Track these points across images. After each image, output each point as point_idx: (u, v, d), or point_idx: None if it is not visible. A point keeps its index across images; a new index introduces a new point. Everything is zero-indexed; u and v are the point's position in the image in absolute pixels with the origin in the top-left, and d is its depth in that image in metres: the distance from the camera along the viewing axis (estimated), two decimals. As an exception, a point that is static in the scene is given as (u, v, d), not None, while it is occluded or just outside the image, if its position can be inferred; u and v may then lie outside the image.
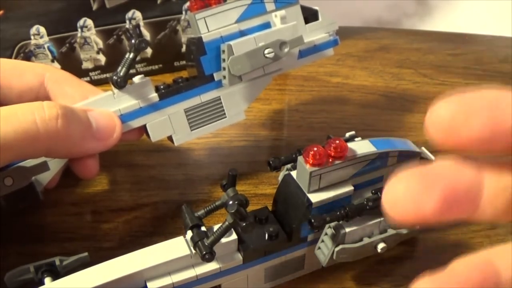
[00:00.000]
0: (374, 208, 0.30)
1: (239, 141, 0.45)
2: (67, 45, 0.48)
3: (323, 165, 0.29)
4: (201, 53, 0.35)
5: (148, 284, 0.28)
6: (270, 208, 0.32)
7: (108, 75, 0.51)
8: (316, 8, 0.39)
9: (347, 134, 0.35)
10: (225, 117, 0.37)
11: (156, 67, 0.52)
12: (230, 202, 0.26)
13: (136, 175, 0.42)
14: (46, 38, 0.47)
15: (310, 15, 0.38)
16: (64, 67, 0.48)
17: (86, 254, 0.29)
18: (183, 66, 0.52)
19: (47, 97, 0.34)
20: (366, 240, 0.31)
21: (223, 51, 0.35)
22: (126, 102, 0.34)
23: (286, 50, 0.35)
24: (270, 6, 0.37)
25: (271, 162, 0.34)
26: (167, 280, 0.28)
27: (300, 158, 0.29)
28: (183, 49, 0.52)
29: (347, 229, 0.30)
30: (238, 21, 0.36)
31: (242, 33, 0.36)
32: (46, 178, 0.34)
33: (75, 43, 0.49)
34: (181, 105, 0.36)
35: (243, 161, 0.43)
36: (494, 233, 0.37)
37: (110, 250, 0.35)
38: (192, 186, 0.41)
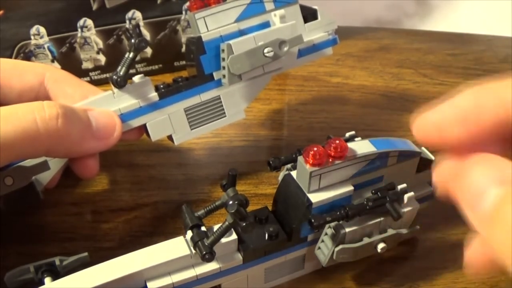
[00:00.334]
0: (374, 208, 0.30)
1: (239, 141, 0.45)
2: (67, 45, 0.48)
3: (323, 165, 0.29)
4: (200, 53, 0.35)
5: (148, 284, 0.28)
6: (270, 208, 0.32)
7: (108, 75, 0.51)
8: (315, 7, 0.39)
9: (347, 134, 0.35)
10: (225, 116, 0.37)
11: (156, 67, 0.52)
12: (230, 202, 0.26)
13: (136, 175, 0.42)
14: (46, 38, 0.47)
15: (309, 14, 0.38)
16: (64, 67, 0.48)
17: (86, 254, 0.29)
18: (183, 66, 0.52)
19: (47, 97, 0.35)
20: (366, 240, 0.31)
21: (223, 50, 0.35)
22: (126, 101, 0.34)
23: (285, 49, 0.35)
24: (269, 5, 0.37)
25: (271, 162, 0.34)
26: (167, 280, 0.28)
27: (300, 158, 0.29)
28: (183, 49, 0.52)
29: (347, 229, 0.30)
30: (238, 20, 0.36)
31: (241, 33, 0.36)
32: (46, 177, 0.34)
33: (75, 43, 0.49)
34: (181, 104, 0.36)
35: (243, 161, 0.43)
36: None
37: (110, 250, 0.35)
38: (192, 186, 0.41)
